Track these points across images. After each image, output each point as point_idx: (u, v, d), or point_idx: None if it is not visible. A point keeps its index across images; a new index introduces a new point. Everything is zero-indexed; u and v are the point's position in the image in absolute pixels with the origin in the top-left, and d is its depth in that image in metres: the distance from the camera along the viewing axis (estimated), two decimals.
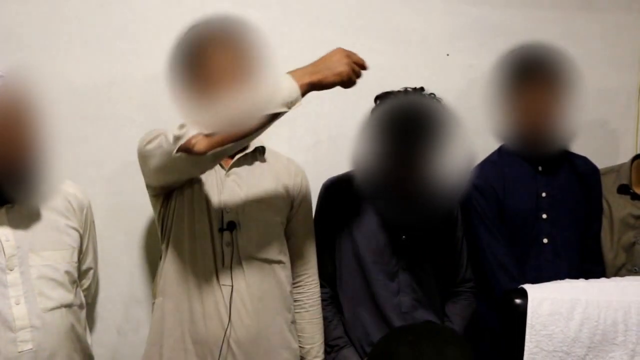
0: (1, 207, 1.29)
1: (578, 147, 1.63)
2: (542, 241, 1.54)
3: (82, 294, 1.45)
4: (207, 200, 1.39)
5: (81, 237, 1.42)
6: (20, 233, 1.29)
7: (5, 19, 1.55)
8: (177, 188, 1.40)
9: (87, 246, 1.47)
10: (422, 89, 1.48)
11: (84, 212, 1.44)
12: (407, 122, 1.33)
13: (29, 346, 1.25)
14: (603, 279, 1.38)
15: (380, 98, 1.49)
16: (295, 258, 1.51)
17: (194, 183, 1.40)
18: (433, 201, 1.34)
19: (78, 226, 1.41)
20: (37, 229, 1.32)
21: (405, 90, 1.47)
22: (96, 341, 1.61)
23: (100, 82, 1.60)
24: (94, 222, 1.51)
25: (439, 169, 1.31)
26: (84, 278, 1.49)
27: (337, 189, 1.56)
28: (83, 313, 1.43)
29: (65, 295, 1.33)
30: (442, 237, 1.54)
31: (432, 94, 1.45)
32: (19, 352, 1.24)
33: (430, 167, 1.31)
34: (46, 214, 1.34)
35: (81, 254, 1.44)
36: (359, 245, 1.50)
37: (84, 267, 1.48)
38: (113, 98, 1.62)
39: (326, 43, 1.71)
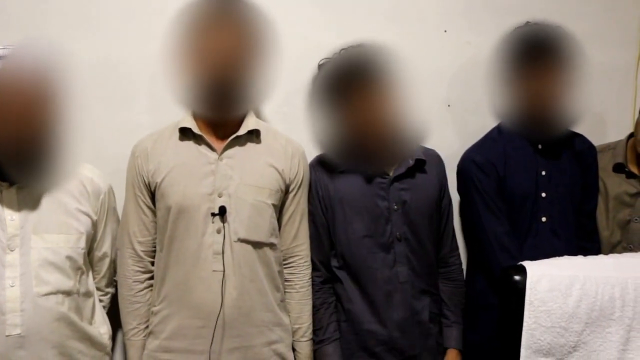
0: (11, 187, 1.26)
1: (574, 124, 1.62)
2: (541, 219, 1.54)
3: (89, 282, 1.41)
4: (200, 186, 1.38)
5: (95, 224, 1.39)
6: (26, 213, 1.27)
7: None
8: (166, 182, 1.40)
9: (102, 233, 1.43)
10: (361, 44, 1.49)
11: (100, 197, 1.40)
12: (351, 75, 1.41)
13: (17, 330, 1.23)
14: (601, 256, 1.40)
15: (321, 64, 1.51)
16: (288, 239, 1.51)
17: (185, 172, 1.39)
18: (396, 144, 1.46)
19: (91, 211, 1.37)
20: (45, 210, 1.29)
21: (342, 49, 1.49)
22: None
23: (108, 62, 1.58)
24: (114, 208, 1.48)
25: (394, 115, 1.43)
26: (97, 265, 1.46)
27: (323, 166, 1.54)
28: (89, 302, 1.39)
29: (64, 281, 1.30)
30: (433, 207, 1.54)
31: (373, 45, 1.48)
32: (7, 335, 1.22)
33: (385, 113, 1.42)
34: (57, 196, 1.32)
35: (95, 242, 1.42)
36: (352, 220, 1.50)
37: (100, 253, 1.45)
38: (122, 78, 1.59)
39: (321, 21, 1.70)
